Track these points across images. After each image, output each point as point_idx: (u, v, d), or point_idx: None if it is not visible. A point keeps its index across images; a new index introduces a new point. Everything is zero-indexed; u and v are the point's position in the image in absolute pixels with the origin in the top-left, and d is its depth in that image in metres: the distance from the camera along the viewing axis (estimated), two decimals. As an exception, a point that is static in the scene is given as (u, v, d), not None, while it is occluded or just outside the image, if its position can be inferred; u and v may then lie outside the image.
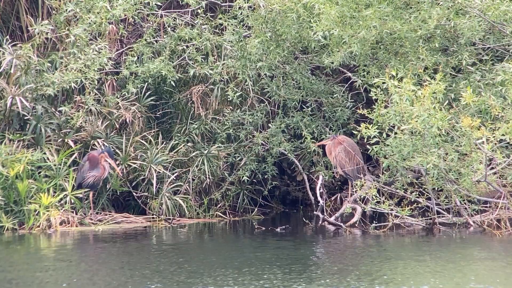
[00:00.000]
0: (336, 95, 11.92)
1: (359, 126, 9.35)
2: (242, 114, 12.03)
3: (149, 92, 11.95)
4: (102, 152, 10.82)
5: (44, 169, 10.74)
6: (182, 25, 12.15)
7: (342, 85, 12.14)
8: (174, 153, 11.79)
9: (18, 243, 9.47)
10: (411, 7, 10.18)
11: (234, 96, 11.66)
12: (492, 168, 9.38)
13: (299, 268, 7.55)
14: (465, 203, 10.22)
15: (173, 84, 11.99)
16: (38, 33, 11.42)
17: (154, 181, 11.31)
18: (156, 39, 12.20)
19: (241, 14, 11.19)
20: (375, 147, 9.47)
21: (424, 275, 7.16)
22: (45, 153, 10.83)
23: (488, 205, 10.31)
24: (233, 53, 11.82)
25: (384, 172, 10.60)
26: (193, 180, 11.74)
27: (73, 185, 10.79)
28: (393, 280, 6.92)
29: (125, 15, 11.67)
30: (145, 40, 11.96)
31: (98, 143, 11.30)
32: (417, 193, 10.22)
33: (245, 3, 11.11)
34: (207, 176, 11.72)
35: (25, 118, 11.11)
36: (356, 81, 11.03)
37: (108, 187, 11.39)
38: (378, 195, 10.10)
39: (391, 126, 9.21)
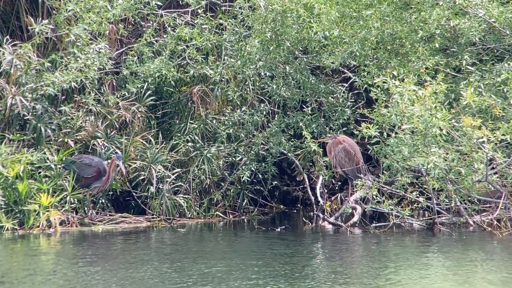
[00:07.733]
0: (336, 95, 11.92)
1: (359, 126, 9.35)
2: (242, 114, 12.03)
3: (149, 92, 11.95)
4: (115, 155, 10.78)
5: (44, 169, 10.73)
6: (182, 25, 12.16)
7: (342, 85, 12.13)
8: (174, 153, 11.79)
9: (18, 243, 9.45)
10: (411, 7, 10.18)
11: (234, 96, 11.66)
12: (493, 168, 9.38)
13: (299, 268, 7.55)
14: (465, 203, 10.23)
15: (173, 84, 12.00)
16: (38, 33, 11.41)
17: (154, 181, 11.30)
18: (156, 39, 12.21)
19: (241, 14, 11.20)
20: (376, 147, 9.47)
21: (424, 275, 7.16)
22: (45, 153, 10.81)
23: (488, 205, 10.31)
24: (233, 53, 11.82)
25: (384, 172, 10.60)
26: (193, 180, 11.73)
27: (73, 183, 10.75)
28: (394, 280, 6.92)
29: (125, 15, 11.69)
30: (145, 40, 11.96)
31: (98, 143, 11.29)
32: (417, 193, 10.23)
33: (245, 3, 11.12)
34: (207, 176, 11.72)
35: (25, 118, 11.09)
36: (356, 81, 11.02)
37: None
38: (378, 195, 10.10)
39: (392, 126, 9.21)
